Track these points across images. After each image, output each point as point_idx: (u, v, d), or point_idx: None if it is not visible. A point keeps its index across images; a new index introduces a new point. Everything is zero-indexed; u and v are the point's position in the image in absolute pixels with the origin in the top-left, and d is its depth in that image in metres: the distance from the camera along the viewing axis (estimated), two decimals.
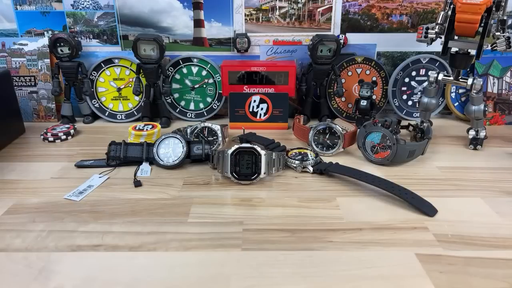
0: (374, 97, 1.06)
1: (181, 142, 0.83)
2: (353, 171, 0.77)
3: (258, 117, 1.06)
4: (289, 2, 1.08)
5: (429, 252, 0.56)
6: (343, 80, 1.12)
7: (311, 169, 0.80)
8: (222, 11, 1.08)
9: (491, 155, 0.89)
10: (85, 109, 1.13)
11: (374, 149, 0.84)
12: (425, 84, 0.94)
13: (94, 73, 1.11)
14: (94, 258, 0.55)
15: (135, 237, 0.59)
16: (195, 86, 1.14)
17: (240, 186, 0.75)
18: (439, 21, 0.85)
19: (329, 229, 0.61)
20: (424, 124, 0.94)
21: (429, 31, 0.86)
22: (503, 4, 0.77)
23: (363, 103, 1.03)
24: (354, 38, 1.11)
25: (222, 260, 0.54)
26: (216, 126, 0.90)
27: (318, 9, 1.08)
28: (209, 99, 1.15)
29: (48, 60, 1.10)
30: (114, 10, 1.08)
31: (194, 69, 1.13)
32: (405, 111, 1.14)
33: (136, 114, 1.14)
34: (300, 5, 1.08)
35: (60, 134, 0.98)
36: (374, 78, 1.12)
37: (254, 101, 1.05)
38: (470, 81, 0.86)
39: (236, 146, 0.75)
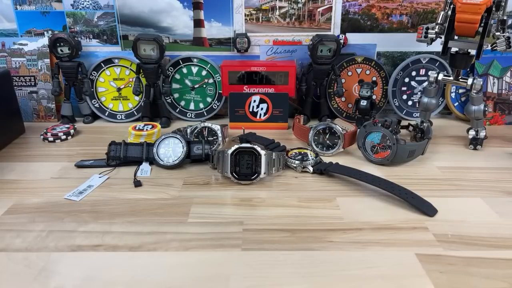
0: (374, 97, 1.06)
1: (181, 142, 0.83)
2: (353, 171, 0.77)
3: (258, 117, 1.06)
4: (289, 2, 1.08)
5: (429, 252, 0.56)
6: (343, 80, 1.12)
7: (311, 169, 0.80)
8: (222, 11, 1.08)
9: (491, 155, 0.89)
10: (85, 109, 1.13)
11: (374, 149, 0.84)
12: (425, 84, 0.94)
13: (94, 73, 1.11)
14: (94, 258, 0.55)
15: (135, 237, 0.59)
16: (195, 86, 1.14)
17: (240, 186, 0.75)
18: (439, 21, 0.85)
19: (329, 229, 0.61)
20: (424, 124, 0.94)
21: (429, 31, 0.86)
22: (503, 4, 0.78)
23: (363, 103, 1.03)
24: (354, 38, 1.11)
25: (222, 260, 0.54)
26: (216, 126, 0.90)
27: (318, 9, 1.08)
28: (209, 99, 1.15)
29: (48, 60, 1.10)
30: (114, 10, 1.08)
31: (194, 69, 1.13)
32: (405, 111, 1.14)
33: (136, 114, 1.14)
34: (300, 5, 1.08)
35: (60, 134, 0.98)
36: (374, 78, 1.12)
37: (254, 101, 1.05)
38: (470, 81, 0.86)
39: (236, 146, 0.75)
